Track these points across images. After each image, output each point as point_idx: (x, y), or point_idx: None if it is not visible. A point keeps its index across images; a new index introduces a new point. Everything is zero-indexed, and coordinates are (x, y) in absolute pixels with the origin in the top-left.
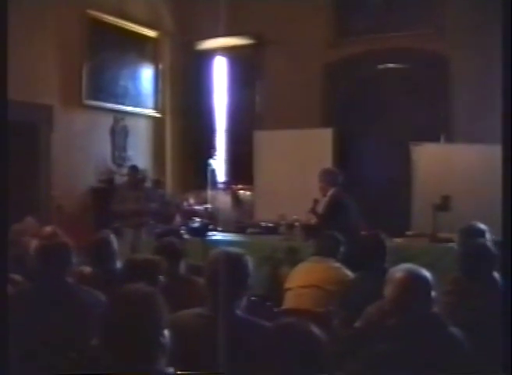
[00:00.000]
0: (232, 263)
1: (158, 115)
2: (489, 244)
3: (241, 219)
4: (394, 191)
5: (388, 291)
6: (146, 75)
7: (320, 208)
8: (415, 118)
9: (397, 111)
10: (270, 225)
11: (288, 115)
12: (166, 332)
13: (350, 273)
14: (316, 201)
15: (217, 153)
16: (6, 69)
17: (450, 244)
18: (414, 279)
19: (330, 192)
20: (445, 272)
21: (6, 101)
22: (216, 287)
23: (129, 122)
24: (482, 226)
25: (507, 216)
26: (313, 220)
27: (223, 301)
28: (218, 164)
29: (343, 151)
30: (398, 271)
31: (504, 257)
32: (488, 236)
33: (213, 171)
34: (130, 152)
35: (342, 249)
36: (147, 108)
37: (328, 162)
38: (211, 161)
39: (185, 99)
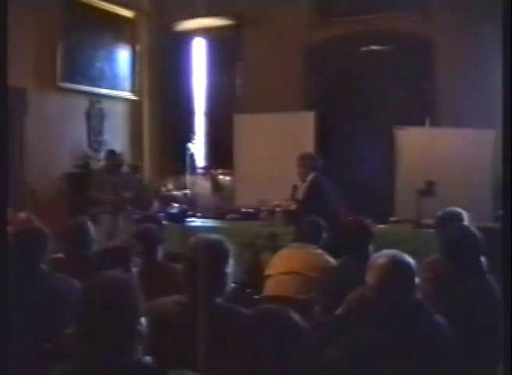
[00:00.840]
0: (212, 250)
1: (135, 98)
2: (472, 227)
3: (221, 205)
4: (377, 177)
5: (370, 277)
6: (122, 57)
7: (300, 194)
8: (400, 101)
9: (381, 94)
10: (250, 211)
11: (269, 98)
12: (143, 320)
13: (332, 260)
14: (295, 187)
15: (196, 137)
16: (6, 69)
17: (433, 231)
18: (396, 265)
19: (309, 177)
20: (426, 257)
21: (6, 103)
22: (195, 275)
23: (106, 105)
24: (460, 210)
25: (507, 215)
26: (293, 206)
27: (202, 288)
28: (198, 148)
29: (325, 136)
30: (380, 257)
31: (504, 256)
32: (466, 222)
33: (192, 156)
34: (107, 136)
35: (324, 235)
36: (123, 90)
37: (309, 147)
38: (189, 145)
39: (163, 82)
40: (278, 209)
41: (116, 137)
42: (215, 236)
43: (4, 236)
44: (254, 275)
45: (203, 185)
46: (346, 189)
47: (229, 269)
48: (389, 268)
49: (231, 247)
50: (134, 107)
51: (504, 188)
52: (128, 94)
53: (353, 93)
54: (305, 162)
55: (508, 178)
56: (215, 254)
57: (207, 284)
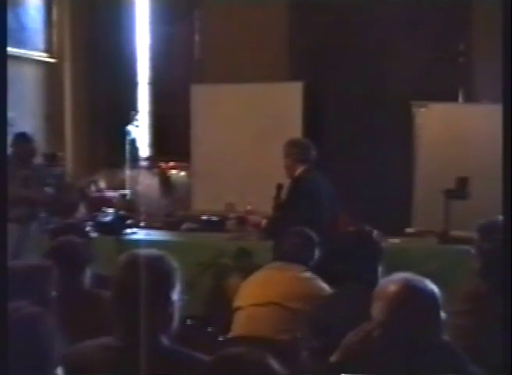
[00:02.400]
0: (151, 270)
1: (51, 60)
2: None
3: (173, 211)
4: (389, 172)
5: (377, 310)
6: (34, 2)
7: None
8: (420, 67)
9: (393, 57)
10: (213, 219)
11: (240, 63)
12: (60, 371)
13: (325, 286)
14: (280, 187)
15: (138, 117)
16: (6, 70)
17: (467, 247)
18: (413, 293)
19: (298, 172)
20: (459, 284)
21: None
22: (130, 306)
23: (11, 69)
24: None
25: (507, 215)
26: (274, 212)
27: (141, 326)
28: (141, 132)
29: (317, 115)
30: (392, 283)
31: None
32: None
33: (133, 142)
34: (13, 113)
35: (316, 253)
36: (35, 50)
37: (296, 130)
38: (129, 128)
39: (92, 39)
40: (252, 217)
41: (26, 115)
42: (154, 251)
43: (4, 236)
44: (217, 307)
45: (148, 183)
46: (347, 189)
47: (176, 295)
48: (404, 297)
49: (176, 265)
50: (51, 73)
51: (504, 188)
52: (42, 55)
53: (355, 55)
54: (293, 151)
55: (508, 177)
56: (154, 275)
57: (145, 318)
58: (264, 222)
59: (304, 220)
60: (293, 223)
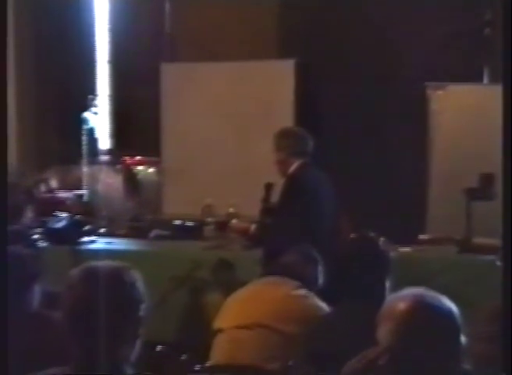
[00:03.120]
0: (115, 288)
1: None
2: None
3: (140, 215)
4: (398, 167)
5: (383, 333)
6: None
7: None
8: (436, 40)
9: (402, 36)
10: (189, 224)
11: (220, 38)
12: None
13: (323, 306)
14: (270, 187)
15: (97, 102)
16: (6, 70)
17: (492, 257)
18: (427, 313)
19: (292, 169)
20: (483, 301)
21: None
22: (87, 330)
23: None
24: None
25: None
26: (263, 217)
27: (100, 352)
28: (100, 121)
29: (312, 100)
30: (401, 300)
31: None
32: None
33: (91, 133)
34: None
35: (313, 267)
36: None
37: (288, 117)
38: (87, 115)
39: (41, 7)
40: (234, 221)
41: None
42: (117, 263)
43: (4, 235)
44: (193, 330)
45: (110, 182)
46: (349, 188)
47: (143, 315)
48: (415, 318)
49: (143, 279)
50: None
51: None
52: None
53: (358, 29)
54: (285, 143)
55: (508, 176)
56: (116, 292)
57: (105, 344)
58: (252, 227)
59: (301, 228)
60: (287, 230)
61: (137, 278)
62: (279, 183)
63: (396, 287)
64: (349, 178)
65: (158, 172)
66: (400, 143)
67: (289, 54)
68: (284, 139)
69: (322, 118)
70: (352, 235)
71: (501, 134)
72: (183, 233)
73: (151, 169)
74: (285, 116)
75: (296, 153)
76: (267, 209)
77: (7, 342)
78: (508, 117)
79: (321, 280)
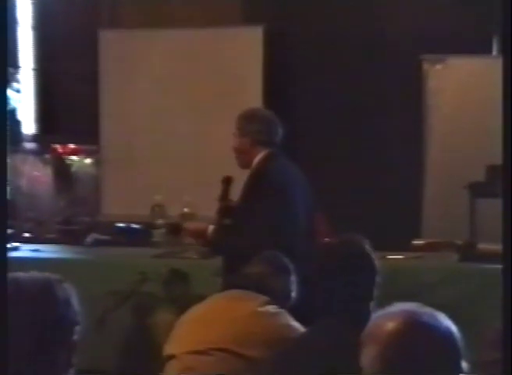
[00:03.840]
0: (43, 305)
1: None
2: None
3: (74, 216)
4: (387, 158)
5: (368, 357)
6: None
7: (238, 194)
8: (430, 10)
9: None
10: (134, 227)
11: None
12: None
13: (295, 324)
14: (228, 181)
15: (20, 77)
16: (6, 70)
17: (499, 266)
18: (421, 334)
19: (258, 159)
20: (489, 320)
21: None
22: (8, 355)
23: None
24: None
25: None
26: (220, 218)
27: None
28: (24, 99)
29: (284, 74)
30: (389, 319)
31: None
32: None
33: (12, 114)
34: None
35: (285, 278)
36: None
37: (254, 96)
38: (9, 93)
39: None
40: (190, 224)
41: None
42: (45, 275)
43: (4, 234)
44: (139, 356)
45: (36, 175)
46: (327, 183)
47: (77, 335)
48: (407, 339)
49: (78, 294)
50: None
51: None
52: None
53: None
54: (249, 128)
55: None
56: (44, 310)
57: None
58: (210, 230)
59: (269, 231)
60: (252, 234)
61: (71, 294)
62: (241, 176)
63: (385, 302)
64: (327, 172)
65: (96, 163)
66: (391, 128)
67: (257, 20)
68: (249, 123)
69: (296, 97)
70: (330, 239)
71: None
72: (127, 238)
73: (87, 160)
74: (252, 94)
75: (263, 141)
76: (226, 209)
77: (7, 342)
78: (508, 112)
79: (293, 293)
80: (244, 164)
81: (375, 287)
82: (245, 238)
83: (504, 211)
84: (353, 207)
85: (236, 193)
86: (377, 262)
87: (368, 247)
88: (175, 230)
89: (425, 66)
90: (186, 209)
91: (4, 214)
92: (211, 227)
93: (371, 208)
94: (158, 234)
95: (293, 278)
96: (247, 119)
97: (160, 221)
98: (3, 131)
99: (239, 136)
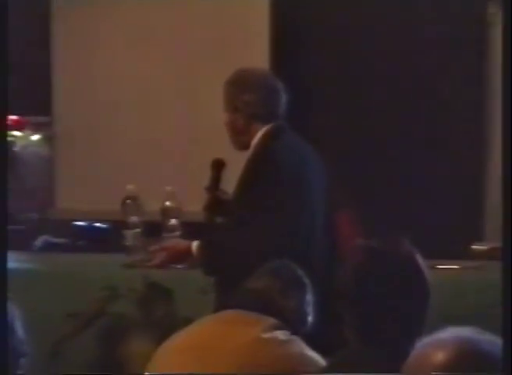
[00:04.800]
0: None
1: None
2: None
3: (18, 211)
4: (433, 141)
5: None
6: None
7: (233, 184)
8: None
9: None
10: (99, 226)
11: None
12: None
13: (312, 355)
14: (219, 165)
15: None
16: (7, 71)
17: None
18: (479, 367)
19: (256, 139)
20: None
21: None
22: None
23: None
24: None
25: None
26: (209, 215)
27: None
28: None
29: (291, 35)
30: (440, 346)
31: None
32: None
33: None
34: None
35: (306, 298)
36: None
37: (257, 56)
38: None
39: None
40: (173, 221)
41: None
42: None
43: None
44: None
45: None
46: (352, 169)
47: (23, 369)
48: (459, 372)
49: (27, 314)
50: None
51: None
52: None
53: None
54: (239, 98)
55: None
56: None
57: None
58: (194, 247)
59: (277, 232)
60: (254, 237)
61: (14, 316)
62: (236, 160)
63: (434, 325)
64: (351, 155)
65: (48, 140)
66: (438, 100)
67: None
68: (240, 91)
69: (309, 61)
70: (360, 242)
71: None
72: (90, 241)
73: (35, 136)
74: (253, 55)
75: (262, 115)
76: (216, 202)
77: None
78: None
79: (310, 315)
80: (241, 145)
81: (427, 312)
82: (244, 242)
83: (504, 211)
84: (388, 199)
85: (232, 182)
86: (426, 274)
87: (419, 256)
88: (152, 230)
89: (490, 10)
90: (168, 203)
91: (4, 214)
92: (195, 244)
93: (413, 202)
94: (131, 236)
95: (309, 296)
96: (237, 87)
97: (134, 219)
98: (3, 132)
99: (229, 110)
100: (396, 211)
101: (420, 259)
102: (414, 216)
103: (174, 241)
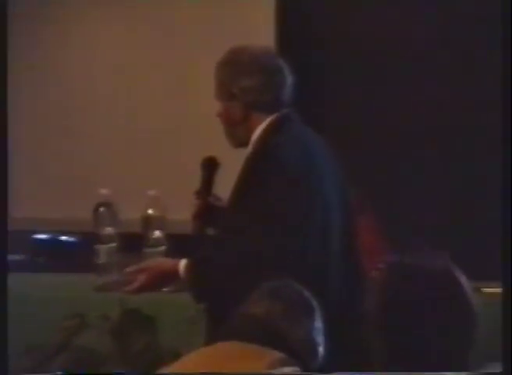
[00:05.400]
0: None
1: None
2: None
3: None
4: (473, 135)
5: None
6: None
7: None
8: None
9: None
10: (65, 240)
11: None
12: None
13: None
14: (211, 165)
15: None
16: (6, 71)
17: None
18: None
19: (257, 133)
20: None
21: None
22: None
23: None
24: None
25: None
26: (199, 225)
27: None
28: None
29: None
30: None
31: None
32: None
33: None
34: None
35: (316, 325)
36: None
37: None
38: None
39: None
40: (157, 233)
41: None
42: None
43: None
44: None
45: None
46: (375, 170)
47: None
48: None
49: None
50: None
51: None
52: None
53: None
54: (236, 83)
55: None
56: None
57: None
58: (182, 268)
59: (282, 247)
60: (253, 252)
61: None
62: (232, 159)
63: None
64: (372, 152)
65: None
66: (475, 93)
67: None
68: (236, 74)
69: (320, 34)
70: (390, 258)
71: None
72: (53, 257)
73: None
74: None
75: (264, 103)
76: (208, 210)
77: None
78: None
79: (321, 345)
80: (238, 140)
81: (471, 342)
82: (241, 260)
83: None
84: (423, 210)
85: (227, 186)
86: (473, 301)
87: (462, 275)
88: (131, 245)
89: None
90: (150, 211)
91: (4, 215)
92: (182, 264)
93: (451, 212)
94: (104, 252)
95: (319, 322)
96: (233, 69)
97: (108, 230)
98: (3, 132)
99: (223, 98)
100: (431, 221)
101: (463, 280)
102: (455, 228)
103: (156, 261)
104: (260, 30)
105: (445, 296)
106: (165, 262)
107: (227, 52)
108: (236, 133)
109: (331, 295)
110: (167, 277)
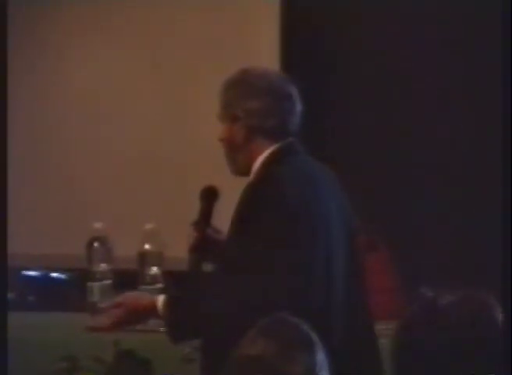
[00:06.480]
0: None
1: None
2: None
3: None
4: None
5: None
6: None
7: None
8: None
9: None
10: (55, 276)
11: None
12: None
13: None
14: (210, 195)
15: None
16: (6, 72)
17: None
18: None
19: (259, 161)
20: None
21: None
22: None
23: None
24: None
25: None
26: (195, 261)
27: None
28: None
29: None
30: None
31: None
32: None
33: None
34: None
35: (318, 360)
36: None
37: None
38: None
39: None
40: (154, 270)
41: None
42: None
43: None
44: None
45: None
46: (385, 201)
47: None
48: None
49: None
50: None
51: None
52: None
53: None
54: (240, 106)
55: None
56: None
57: None
58: (160, 305)
59: (281, 286)
60: (251, 290)
61: None
62: (233, 188)
63: None
64: (383, 181)
65: None
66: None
67: None
68: (242, 97)
69: (332, 54)
70: (421, 296)
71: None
72: (43, 295)
73: None
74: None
75: (269, 129)
76: (205, 243)
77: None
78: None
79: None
80: (239, 167)
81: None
82: (240, 295)
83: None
84: (442, 242)
85: (226, 217)
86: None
87: (494, 304)
88: (128, 281)
89: None
90: (147, 246)
91: (4, 216)
92: (161, 300)
93: (471, 240)
94: (98, 290)
95: (321, 356)
96: (239, 90)
97: (102, 267)
98: (3, 132)
99: (226, 120)
100: (456, 254)
101: (497, 309)
102: (477, 258)
103: (133, 295)
104: (263, 52)
105: (482, 338)
106: (143, 298)
107: (234, 74)
108: (238, 158)
109: (334, 334)
110: (144, 313)
